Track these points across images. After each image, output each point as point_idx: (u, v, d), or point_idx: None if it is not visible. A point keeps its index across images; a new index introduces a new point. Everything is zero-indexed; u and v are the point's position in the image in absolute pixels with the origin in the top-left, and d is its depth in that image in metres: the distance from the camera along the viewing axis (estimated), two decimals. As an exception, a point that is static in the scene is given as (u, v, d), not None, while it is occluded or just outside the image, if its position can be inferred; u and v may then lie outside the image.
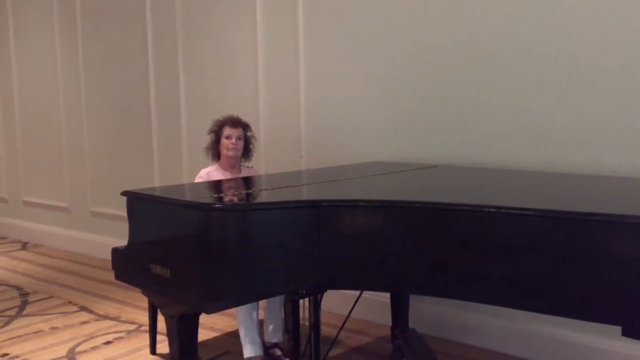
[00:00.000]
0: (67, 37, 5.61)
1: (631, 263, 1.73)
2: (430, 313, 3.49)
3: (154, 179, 4.99)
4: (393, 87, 3.61)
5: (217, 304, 2.20)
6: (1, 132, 6.54)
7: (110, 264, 2.67)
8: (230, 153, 3.26)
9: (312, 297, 2.51)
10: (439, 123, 3.43)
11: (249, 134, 3.35)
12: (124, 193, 2.50)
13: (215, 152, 3.32)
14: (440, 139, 3.42)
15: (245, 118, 3.41)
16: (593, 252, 1.79)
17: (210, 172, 3.28)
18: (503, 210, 1.94)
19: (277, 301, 3.22)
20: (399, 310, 3.34)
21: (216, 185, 2.90)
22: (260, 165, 4.13)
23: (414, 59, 3.51)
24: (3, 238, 6.49)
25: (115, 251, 2.62)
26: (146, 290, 2.59)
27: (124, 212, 2.54)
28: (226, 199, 2.49)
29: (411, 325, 3.35)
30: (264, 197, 2.56)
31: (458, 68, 3.34)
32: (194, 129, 4.63)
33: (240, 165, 3.38)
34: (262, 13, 4.14)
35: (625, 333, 1.76)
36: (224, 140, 3.25)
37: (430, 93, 3.45)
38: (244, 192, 2.70)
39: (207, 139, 3.35)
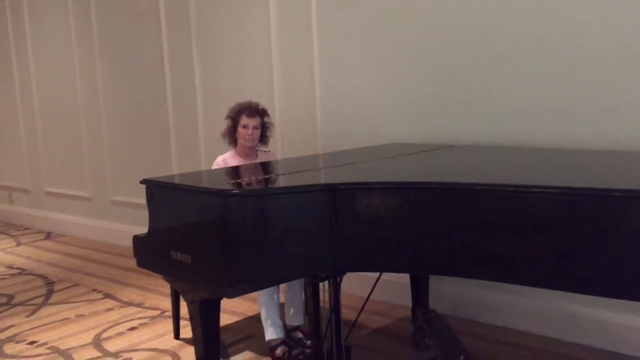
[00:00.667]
0: (82, 29, 5.65)
1: (654, 238, 1.71)
2: (451, 293, 3.49)
3: (172, 167, 5.03)
4: (407, 69, 3.58)
5: (238, 289, 2.22)
6: (22, 125, 6.63)
7: (132, 252, 2.71)
8: (247, 143, 3.26)
9: (331, 280, 2.52)
10: (454, 103, 3.40)
11: (266, 119, 3.33)
12: (143, 181, 2.52)
13: (232, 139, 3.33)
14: (456, 119, 3.39)
15: (261, 102, 3.40)
16: (616, 228, 1.77)
17: (227, 159, 3.29)
18: (522, 189, 1.93)
19: (298, 284, 3.25)
20: (419, 291, 3.34)
21: (234, 171, 2.91)
22: (277, 149, 4.14)
23: (427, 40, 3.47)
24: (27, 229, 6.61)
25: (137, 239, 2.66)
26: (168, 276, 2.63)
27: (143, 200, 2.56)
28: (244, 184, 2.50)
29: (431, 305, 3.35)
30: (281, 181, 2.57)
31: (472, 48, 3.30)
32: (211, 117, 4.64)
33: (257, 151, 3.38)
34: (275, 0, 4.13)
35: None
36: (240, 130, 3.25)
37: (445, 73, 3.42)
38: (261, 177, 2.71)
39: (224, 126, 3.35)
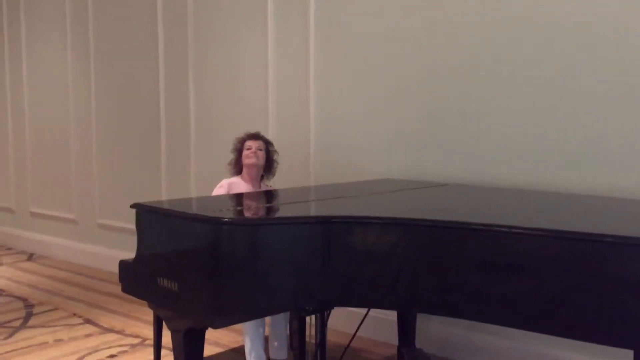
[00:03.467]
0: (78, 49, 5.67)
1: (643, 285, 1.71)
2: (437, 333, 3.45)
3: (162, 192, 5.00)
4: (402, 105, 3.61)
5: (224, 319, 2.18)
6: (11, 143, 6.59)
7: (116, 277, 2.66)
8: (250, 161, 3.29)
9: (318, 314, 2.49)
10: (448, 141, 3.42)
11: (271, 148, 3.42)
12: (133, 205, 2.50)
13: (237, 168, 3.38)
14: (450, 157, 3.41)
15: (254, 131, 3.45)
16: (605, 274, 1.77)
17: (232, 182, 3.32)
18: (515, 230, 1.93)
19: (283, 318, 3.21)
20: (406, 329, 3.30)
21: (226, 199, 2.89)
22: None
23: (423, 78, 3.51)
24: (9, 249, 6.50)
25: (123, 263, 2.62)
26: (153, 303, 2.58)
27: (131, 225, 2.53)
28: (236, 213, 2.48)
29: (418, 344, 3.31)
30: (273, 212, 2.55)
31: (467, 86, 3.34)
32: (203, 143, 4.64)
33: (261, 182, 3.40)
34: (273, 29, 4.17)
35: (638, 357, 1.73)
36: (245, 152, 3.33)
37: (439, 111, 3.45)
38: (254, 206, 2.70)
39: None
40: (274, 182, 4.01)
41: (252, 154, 3.31)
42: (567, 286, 1.83)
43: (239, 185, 3.30)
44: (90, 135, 5.63)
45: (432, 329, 3.46)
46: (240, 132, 3.49)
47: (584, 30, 2.94)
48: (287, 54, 4.13)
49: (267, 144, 3.41)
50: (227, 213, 2.39)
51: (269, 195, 3.15)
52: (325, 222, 2.18)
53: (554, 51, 3.04)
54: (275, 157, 3.43)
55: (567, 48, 3.00)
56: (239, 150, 3.37)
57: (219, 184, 3.33)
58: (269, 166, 3.39)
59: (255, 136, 3.40)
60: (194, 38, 4.70)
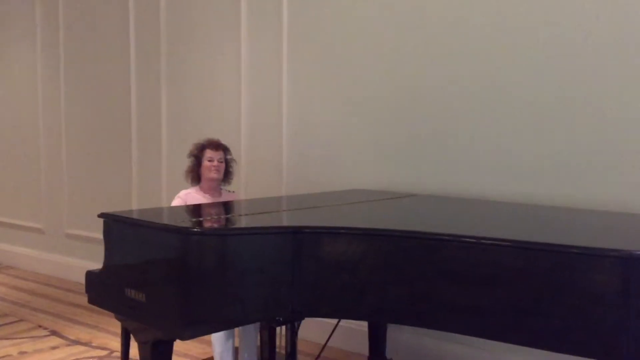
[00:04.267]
0: (48, 54, 5.58)
1: (609, 296, 1.74)
2: (408, 343, 3.46)
3: (132, 202, 4.93)
4: (374, 117, 3.63)
5: (193, 330, 2.15)
6: (-23, 151, 6.44)
7: (83, 288, 2.61)
8: (212, 175, 3.24)
9: (289, 325, 2.48)
10: (418, 152, 3.45)
11: (229, 157, 3.35)
12: (101, 215, 2.46)
13: (195, 175, 3.30)
14: (420, 168, 3.44)
15: (226, 141, 3.40)
16: (572, 285, 1.80)
17: (190, 194, 3.25)
18: (483, 241, 1.95)
19: (253, 328, 3.18)
20: (377, 340, 3.31)
21: (195, 209, 2.87)
22: (240, 189, 4.11)
23: (395, 89, 3.54)
24: (-27, 259, 6.34)
25: (90, 274, 2.57)
26: (120, 314, 2.53)
27: (99, 235, 2.49)
28: (205, 223, 2.46)
29: (388, 355, 3.32)
30: (243, 222, 2.54)
31: (439, 99, 3.38)
32: (175, 152, 4.60)
33: (221, 189, 3.36)
34: (246, 37, 4.17)
35: (604, 367, 1.76)
36: (206, 163, 3.24)
37: (411, 123, 3.48)
38: (223, 216, 2.68)
39: (188, 163, 3.33)
40: (241, 189, 3.99)
41: (215, 169, 3.23)
42: (535, 297, 1.85)
43: (197, 197, 3.23)
44: (60, 144, 5.54)
45: (403, 339, 3.47)
46: None
47: (557, 46, 3.00)
48: (260, 63, 4.12)
49: (226, 152, 3.33)
50: (195, 223, 2.36)
51: (239, 205, 3.13)
52: (295, 232, 2.18)
53: (527, 66, 3.09)
54: (232, 165, 3.37)
55: (539, 64, 3.05)
56: (197, 159, 3.27)
57: (177, 195, 3.27)
58: (226, 175, 3.33)
59: (216, 145, 3.29)
60: (166, 45, 4.66)
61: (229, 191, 3.42)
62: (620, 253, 1.73)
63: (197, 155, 3.28)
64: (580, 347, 1.80)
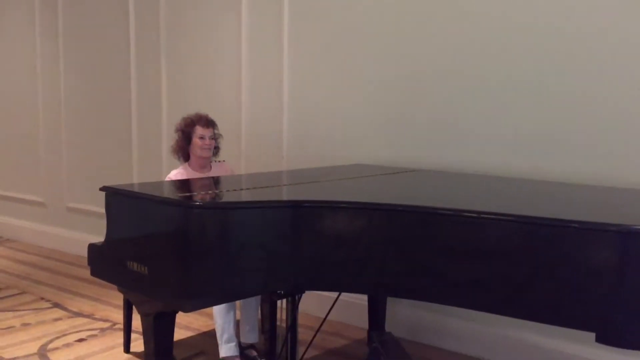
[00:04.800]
0: (47, 30, 5.53)
1: (606, 270, 1.75)
2: (407, 317, 3.50)
3: (132, 176, 4.94)
4: (375, 91, 3.62)
5: (195, 303, 2.18)
6: (-24, 124, 6.42)
7: (85, 261, 2.63)
8: (204, 154, 3.22)
9: (289, 298, 2.50)
10: (420, 128, 3.44)
11: (217, 132, 3.31)
12: (102, 188, 2.47)
13: (184, 153, 3.26)
14: (421, 143, 3.44)
15: (227, 117, 3.39)
16: (569, 259, 1.81)
17: (181, 173, 3.22)
18: (483, 216, 1.96)
19: (254, 302, 3.21)
20: (376, 313, 3.35)
21: (196, 183, 2.87)
22: (240, 165, 4.11)
23: (396, 64, 3.52)
24: (-25, 232, 6.37)
25: (92, 247, 2.59)
26: (123, 287, 2.56)
27: (100, 208, 2.50)
28: (206, 197, 2.47)
29: (388, 328, 3.36)
30: (244, 196, 2.55)
31: (440, 74, 3.36)
32: (175, 126, 4.58)
33: (211, 163, 3.34)
34: (247, 13, 4.13)
35: (599, 340, 1.78)
36: (196, 141, 3.20)
37: (412, 97, 3.47)
38: (224, 190, 2.69)
39: (174, 137, 3.29)
40: (241, 165, 4.00)
41: (207, 147, 3.19)
42: (534, 271, 1.87)
43: (189, 175, 3.19)
44: (59, 117, 5.52)
45: (402, 312, 3.51)
46: (213, 117, 3.38)
47: (555, 24, 2.97)
48: (261, 40, 4.09)
49: (215, 127, 3.28)
50: (196, 197, 2.37)
51: (240, 179, 3.13)
52: (295, 207, 2.19)
53: (525, 43, 3.07)
54: (219, 141, 3.33)
55: (538, 39, 3.03)
56: (186, 135, 3.21)
57: (167, 177, 3.23)
58: (215, 151, 3.31)
59: (207, 122, 3.23)
60: (165, 21, 4.62)
61: (219, 161, 3.40)
62: (619, 228, 1.74)
63: (187, 131, 3.22)
64: (577, 320, 1.82)
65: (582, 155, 2.92)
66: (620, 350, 1.90)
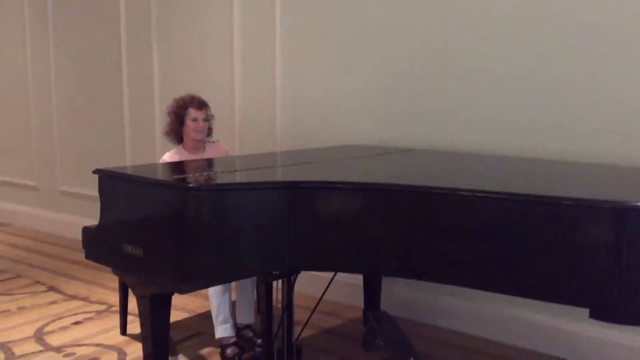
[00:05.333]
0: (37, 13, 5.46)
1: (600, 247, 1.76)
2: (402, 295, 3.52)
3: (126, 159, 4.92)
4: (369, 71, 3.60)
5: (191, 284, 2.18)
6: (-33, 108, 6.36)
7: (80, 244, 2.63)
8: (197, 136, 3.20)
9: (285, 279, 2.51)
10: (414, 108, 3.43)
11: (210, 114, 3.28)
12: (96, 171, 2.45)
13: (177, 136, 3.24)
14: (416, 123, 3.43)
15: (220, 99, 3.36)
16: (564, 236, 1.82)
17: (175, 155, 3.20)
18: (478, 194, 1.96)
19: (250, 283, 3.22)
20: (371, 293, 3.37)
21: (191, 165, 2.86)
22: (235, 147, 4.10)
23: (390, 44, 3.50)
24: (-32, 217, 6.34)
25: (86, 230, 2.58)
26: (118, 269, 2.56)
27: (94, 192, 2.49)
28: (201, 178, 2.46)
29: (383, 307, 3.38)
30: (239, 177, 2.54)
31: (433, 53, 3.34)
32: (167, 109, 4.55)
33: (205, 144, 3.33)
34: (238, -8, 4.09)
35: (593, 315, 1.80)
36: (189, 123, 3.18)
37: (405, 78, 3.46)
38: (218, 172, 2.68)
39: (167, 119, 3.27)
40: (236, 147, 3.98)
41: (200, 129, 3.17)
42: (529, 248, 1.87)
43: (184, 157, 3.17)
44: (50, 100, 5.48)
45: (397, 291, 3.53)
46: (206, 100, 3.34)
47: (541, 6, 2.96)
48: (253, 22, 4.05)
49: (208, 109, 3.25)
50: (191, 178, 2.36)
51: (235, 160, 3.12)
52: (291, 187, 2.18)
53: (516, 24, 3.05)
54: (212, 122, 3.30)
55: (529, 20, 3.01)
56: (179, 117, 3.18)
57: (161, 159, 3.21)
58: (208, 132, 3.28)
59: (199, 104, 3.19)
60: (157, 3, 4.57)
61: (213, 142, 3.38)
62: (613, 204, 1.75)
63: (179, 113, 3.20)
64: (571, 296, 1.83)
65: (576, 132, 2.92)
66: (612, 325, 1.92)
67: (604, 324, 1.85)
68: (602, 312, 1.78)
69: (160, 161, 3.21)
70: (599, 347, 2.90)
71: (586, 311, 1.81)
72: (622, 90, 2.79)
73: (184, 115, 3.19)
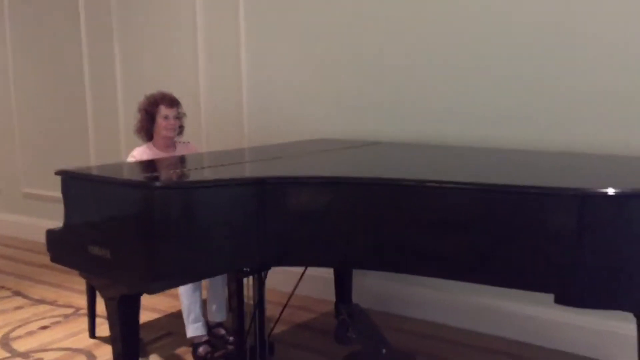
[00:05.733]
0: (-8, 9, 5.31)
1: (564, 234, 1.80)
2: (373, 288, 3.55)
3: (90, 159, 4.83)
4: (335, 65, 3.60)
5: (160, 284, 2.15)
6: None
7: (44, 247, 2.57)
8: (169, 134, 3.18)
9: (256, 275, 2.50)
10: (381, 101, 3.45)
11: (181, 111, 3.25)
12: (58, 172, 2.40)
13: (147, 133, 3.21)
14: (383, 116, 3.45)
15: (185, 95, 3.33)
16: (529, 224, 1.85)
17: (144, 152, 3.17)
18: (445, 185, 1.98)
19: (220, 280, 3.20)
20: (343, 286, 3.38)
21: (157, 164, 2.83)
22: (201, 143, 4.06)
23: (355, 36, 3.50)
24: None
25: (51, 233, 2.53)
26: (84, 272, 2.51)
27: (58, 193, 2.44)
28: (168, 177, 2.43)
29: (354, 300, 3.40)
30: (207, 174, 2.52)
31: (398, 45, 3.36)
32: (131, 106, 4.45)
33: (175, 142, 3.30)
34: (201, -13, 4.04)
35: (558, 300, 1.84)
36: (160, 121, 3.15)
37: (372, 70, 3.47)
38: (186, 169, 2.65)
39: (137, 116, 3.23)
40: (202, 142, 3.95)
41: (171, 127, 3.14)
42: (496, 237, 1.90)
43: (152, 155, 3.14)
44: (10, 101, 5.34)
45: (368, 284, 3.55)
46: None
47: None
48: (217, 12, 4.01)
49: (179, 106, 3.22)
50: (158, 177, 2.33)
51: (201, 157, 3.09)
52: (260, 183, 2.17)
53: (478, 14, 3.08)
54: (184, 119, 3.28)
55: (503, 12, 3.05)
56: (149, 115, 3.15)
57: (131, 154, 3.18)
58: (180, 130, 3.26)
59: (171, 101, 3.17)
60: (118, 2, 4.49)
61: (183, 142, 3.36)
62: (575, 192, 1.79)
63: (150, 111, 3.17)
64: (537, 283, 1.86)
65: (546, 122, 2.97)
66: (577, 310, 1.97)
67: (570, 308, 1.89)
68: (567, 297, 1.82)
69: (130, 157, 3.17)
70: (567, 331, 2.97)
71: (552, 296, 1.85)
72: (618, 83, 2.80)
73: (155, 113, 3.16)
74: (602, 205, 1.76)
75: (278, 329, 3.12)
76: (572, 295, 1.81)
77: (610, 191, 1.75)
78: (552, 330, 3.01)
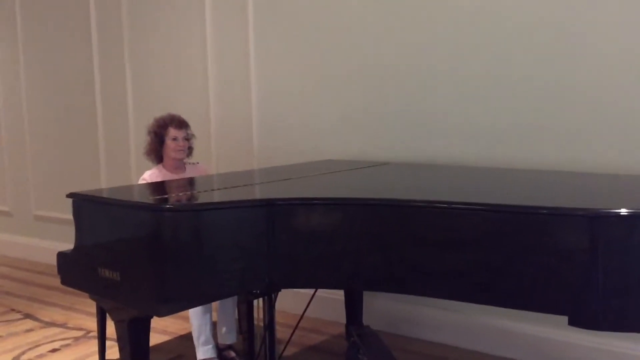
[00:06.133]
0: (7, 34, 5.40)
1: (576, 254, 1.78)
2: (384, 309, 3.52)
3: (100, 181, 4.86)
4: (344, 85, 3.62)
5: (170, 307, 2.15)
6: None
7: (55, 270, 2.58)
8: (178, 156, 3.20)
9: (266, 297, 2.49)
10: (390, 121, 3.46)
11: (189, 131, 3.28)
12: (70, 195, 2.42)
13: (157, 155, 3.23)
14: (391, 136, 3.45)
15: (195, 116, 3.35)
16: (541, 245, 1.83)
17: (154, 174, 3.19)
18: (454, 206, 1.97)
19: (230, 302, 3.19)
20: (353, 308, 3.36)
21: (167, 186, 2.84)
22: (211, 163, 4.08)
23: (364, 57, 3.52)
24: (-61, 245, 6.18)
25: (61, 255, 2.54)
26: (95, 294, 2.52)
27: (69, 215, 2.45)
28: (178, 199, 2.44)
29: (365, 322, 3.37)
30: (216, 196, 2.52)
31: (408, 66, 3.37)
32: (142, 128, 4.49)
33: (185, 164, 3.32)
34: (211, 7, 4.08)
35: (572, 322, 1.81)
36: (169, 143, 3.18)
37: (381, 91, 3.48)
38: (195, 191, 2.66)
39: (147, 139, 3.25)
40: (212, 163, 3.96)
41: (180, 149, 3.16)
42: (506, 258, 1.88)
43: (163, 177, 3.16)
44: (22, 123, 5.40)
45: (379, 305, 3.52)
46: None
47: (526, 12, 3.01)
48: (226, 34, 4.05)
49: (188, 128, 3.25)
50: (168, 200, 2.34)
51: (211, 179, 3.10)
52: (268, 205, 2.17)
53: (488, 34, 3.10)
54: (193, 141, 3.30)
55: (511, 28, 3.06)
56: (159, 137, 3.18)
57: (142, 177, 3.20)
58: (189, 151, 3.28)
59: (180, 123, 3.20)
60: (128, 21, 4.55)
61: (193, 163, 3.37)
62: (586, 212, 1.77)
63: (159, 133, 3.19)
64: (550, 305, 1.84)
65: (554, 142, 2.95)
66: (590, 332, 1.94)
67: (584, 330, 1.86)
68: (580, 319, 1.79)
69: (141, 180, 3.19)
70: (580, 352, 2.92)
71: (565, 318, 1.82)
72: (627, 102, 2.79)
73: (164, 135, 3.18)
74: (615, 225, 1.75)
75: (289, 352, 3.10)
76: (586, 317, 1.79)
77: (624, 211, 1.73)
78: (565, 352, 2.97)
